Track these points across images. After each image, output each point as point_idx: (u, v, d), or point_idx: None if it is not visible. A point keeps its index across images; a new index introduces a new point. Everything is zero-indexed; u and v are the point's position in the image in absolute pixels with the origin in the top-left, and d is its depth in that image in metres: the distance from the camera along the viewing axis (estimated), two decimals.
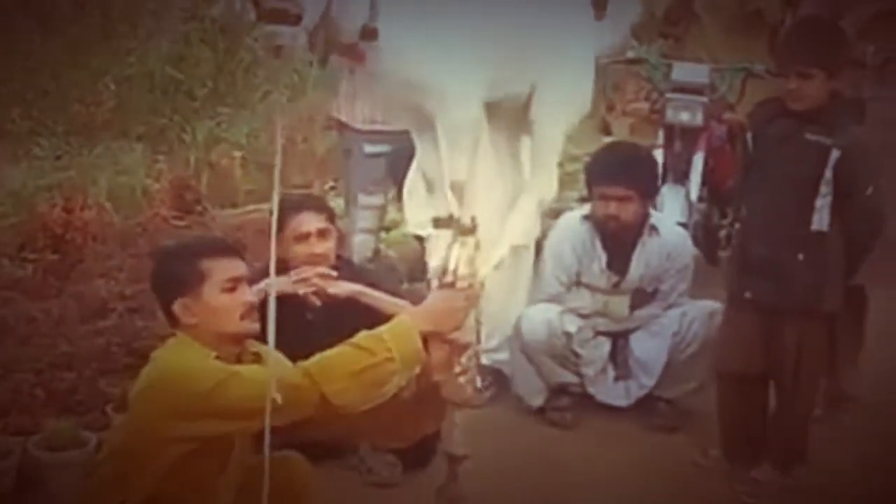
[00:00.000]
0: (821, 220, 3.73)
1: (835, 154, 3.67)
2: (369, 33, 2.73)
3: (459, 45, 2.79)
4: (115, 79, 8.07)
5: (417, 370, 2.87)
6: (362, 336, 2.84)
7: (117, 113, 7.80)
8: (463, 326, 3.00)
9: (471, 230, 2.98)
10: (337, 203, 5.46)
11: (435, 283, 3.69)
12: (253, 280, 3.61)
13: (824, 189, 3.71)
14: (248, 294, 2.99)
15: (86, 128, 7.58)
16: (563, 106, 3.15)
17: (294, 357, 2.89)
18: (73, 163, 6.85)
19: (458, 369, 2.97)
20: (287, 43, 2.60)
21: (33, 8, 8.62)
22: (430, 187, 3.04)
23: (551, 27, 3.03)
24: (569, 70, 3.13)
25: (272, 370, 2.71)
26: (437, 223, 3.03)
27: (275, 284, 3.63)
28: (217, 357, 2.89)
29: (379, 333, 2.84)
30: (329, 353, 2.85)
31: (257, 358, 3.01)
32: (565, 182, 7.33)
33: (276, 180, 2.32)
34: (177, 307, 2.94)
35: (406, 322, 2.88)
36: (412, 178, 4.58)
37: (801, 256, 3.75)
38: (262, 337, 3.00)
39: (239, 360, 2.98)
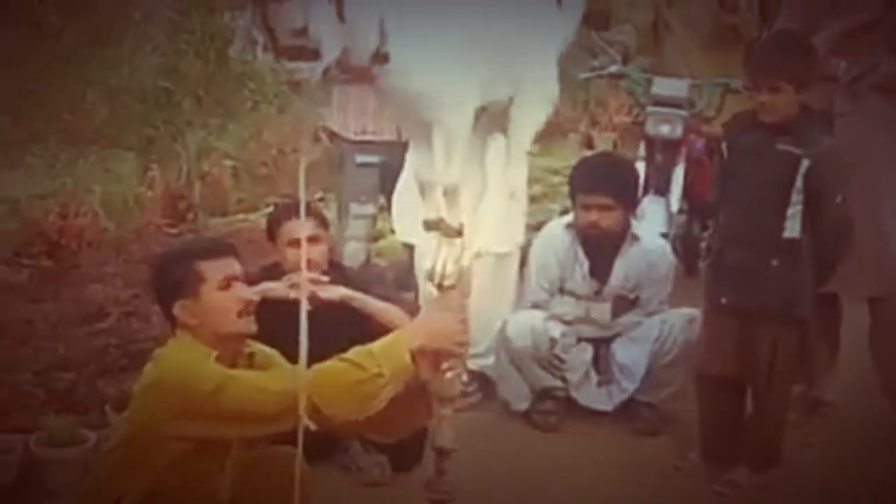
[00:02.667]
0: (792, 227, 3.81)
1: (805, 163, 3.76)
2: (381, 58, 2.81)
3: (455, 56, 2.91)
4: (106, 89, 8.12)
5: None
6: (354, 352, 2.94)
7: (109, 123, 7.83)
8: (460, 345, 3.13)
9: (457, 232, 3.10)
10: (327, 213, 5.55)
11: (426, 287, 3.81)
12: (249, 284, 3.73)
13: (795, 197, 3.79)
14: (244, 291, 3.05)
15: (78, 137, 7.60)
16: (538, 104, 3.29)
17: (287, 359, 3.01)
18: (66, 171, 6.88)
19: (445, 366, 3.09)
20: (307, 77, 2.64)
21: (24, 17, 8.64)
22: (423, 192, 3.15)
23: (530, 31, 3.18)
24: (543, 69, 3.28)
25: (301, 378, 2.81)
26: (428, 225, 3.15)
27: (268, 289, 3.81)
28: (217, 357, 2.96)
29: (370, 349, 2.93)
30: (322, 365, 2.93)
31: (251, 359, 3.08)
32: (548, 195, 7.48)
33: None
34: (177, 309, 3.00)
35: (397, 338, 2.98)
36: (403, 187, 4.71)
37: (774, 263, 3.83)
38: (259, 337, 3.15)
39: (234, 362, 3.03)
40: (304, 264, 3.10)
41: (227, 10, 8.10)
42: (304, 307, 2.84)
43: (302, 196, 2.91)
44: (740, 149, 3.90)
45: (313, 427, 2.82)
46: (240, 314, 3.02)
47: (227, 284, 3.01)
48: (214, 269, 3.01)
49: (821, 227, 3.83)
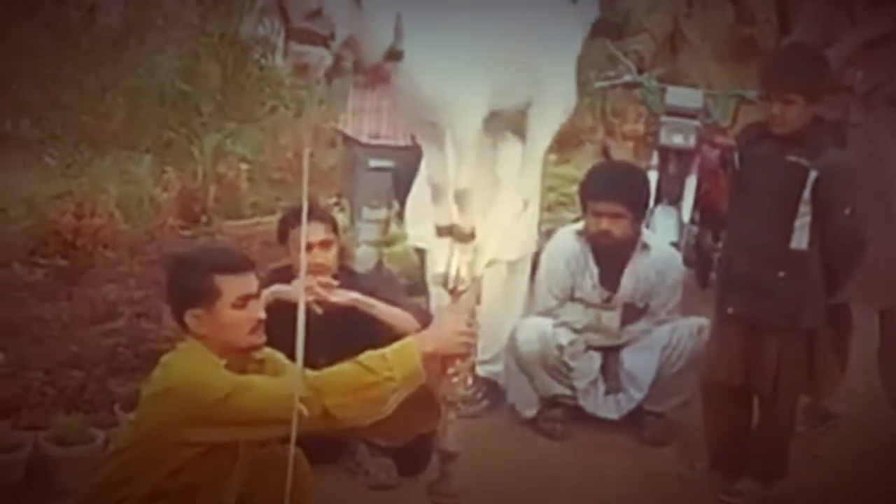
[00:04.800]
0: (800, 239, 3.80)
1: (813, 175, 3.75)
2: (395, 55, 2.80)
3: (471, 59, 2.90)
4: (124, 91, 8.17)
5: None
6: (366, 355, 2.97)
7: (127, 124, 7.89)
8: (469, 353, 3.14)
9: (470, 237, 3.11)
10: (341, 217, 5.58)
11: (437, 291, 3.83)
12: (260, 287, 3.75)
13: (803, 209, 3.78)
14: (259, 311, 3.06)
15: (95, 138, 7.66)
16: (556, 109, 3.28)
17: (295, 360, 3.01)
18: (83, 171, 6.94)
19: (451, 370, 3.11)
20: (314, 63, 2.61)
21: (44, 18, 8.71)
22: (435, 196, 3.15)
23: (547, 34, 3.17)
24: (562, 74, 3.27)
25: (296, 383, 2.83)
26: (440, 231, 3.15)
27: (279, 292, 3.83)
28: (226, 365, 2.98)
29: (382, 353, 2.96)
30: (333, 369, 2.97)
31: (261, 365, 3.10)
32: (565, 203, 7.48)
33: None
34: (188, 317, 3.01)
35: (409, 344, 3.00)
36: (415, 192, 4.72)
37: (781, 274, 3.82)
38: (268, 338, 3.16)
39: (244, 367, 3.06)
40: (303, 268, 3.11)
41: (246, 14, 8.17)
42: (302, 308, 2.86)
43: (304, 199, 2.93)
44: (751, 160, 3.91)
45: (306, 413, 2.82)
46: (251, 331, 3.04)
47: (243, 304, 3.02)
48: (232, 286, 3.01)
49: (829, 239, 3.83)
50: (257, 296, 3.08)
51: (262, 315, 3.07)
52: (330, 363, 3.08)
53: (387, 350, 2.98)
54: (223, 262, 3.08)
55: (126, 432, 3.25)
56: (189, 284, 3.03)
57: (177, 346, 3.09)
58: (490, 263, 3.32)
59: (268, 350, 3.14)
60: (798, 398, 4.10)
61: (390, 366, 2.93)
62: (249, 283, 3.06)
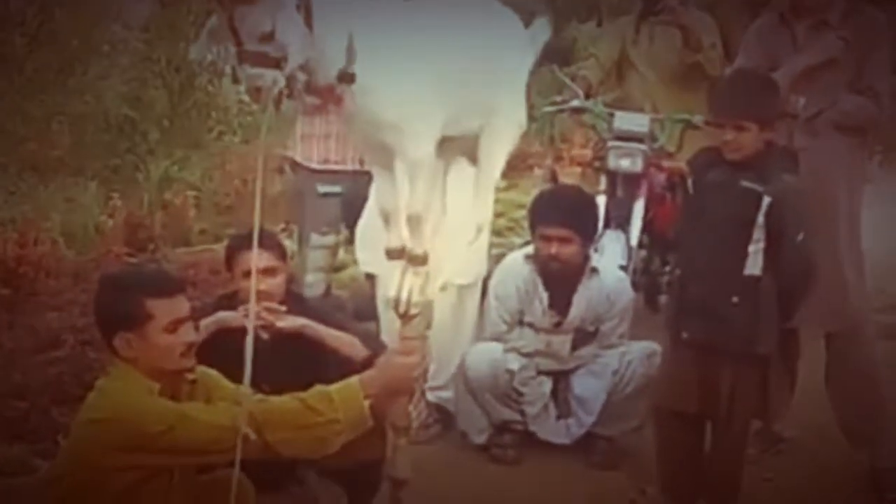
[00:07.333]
0: (754, 264, 3.79)
1: (766, 201, 3.75)
2: (347, 77, 2.79)
3: (423, 82, 2.89)
4: (69, 117, 8.11)
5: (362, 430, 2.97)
6: (312, 394, 2.95)
7: (72, 151, 7.82)
8: (414, 390, 3.11)
9: (422, 260, 3.09)
10: (289, 243, 5.55)
11: (387, 316, 3.79)
12: (205, 314, 3.71)
13: (757, 234, 3.77)
14: (190, 334, 3.03)
15: (40, 165, 7.60)
16: (508, 133, 3.28)
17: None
18: (27, 199, 6.88)
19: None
20: (267, 85, 2.61)
21: None
22: (386, 220, 3.14)
23: (499, 57, 3.16)
24: (513, 98, 3.26)
25: (240, 413, 2.82)
26: (390, 254, 3.13)
27: (225, 318, 3.79)
28: (160, 389, 2.95)
29: (328, 393, 2.94)
30: (277, 402, 2.95)
31: (193, 386, 3.08)
32: (513, 228, 7.50)
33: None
34: (117, 341, 2.97)
35: (355, 386, 2.98)
36: (366, 218, 4.70)
37: (735, 299, 3.81)
38: (213, 364, 3.13)
39: (177, 389, 3.03)
40: (252, 293, 3.08)
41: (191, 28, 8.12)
42: (251, 334, 2.84)
43: (256, 225, 2.90)
44: (705, 185, 3.90)
45: (253, 436, 2.82)
46: (182, 354, 3.01)
47: (174, 328, 2.99)
48: (163, 310, 2.97)
49: (782, 265, 3.82)
50: (188, 318, 3.05)
51: (194, 338, 3.05)
52: (274, 389, 3.06)
53: (333, 390, 2.96)
54: (154, 285, 3.03)
55: (60, 458, 3.18)
56: (119, 307, 2.99)
57: (109, 371, 3.03)
58: (442, 288, 3.31)
59: (200, 369, 3.11)
60: (751, 423, 4.10)
61: (336, 407, 2.92)
62: (181, 306, 3.03)
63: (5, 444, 4.06)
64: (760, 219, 3.77)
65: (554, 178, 8.22)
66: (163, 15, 9.14)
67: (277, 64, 2.62)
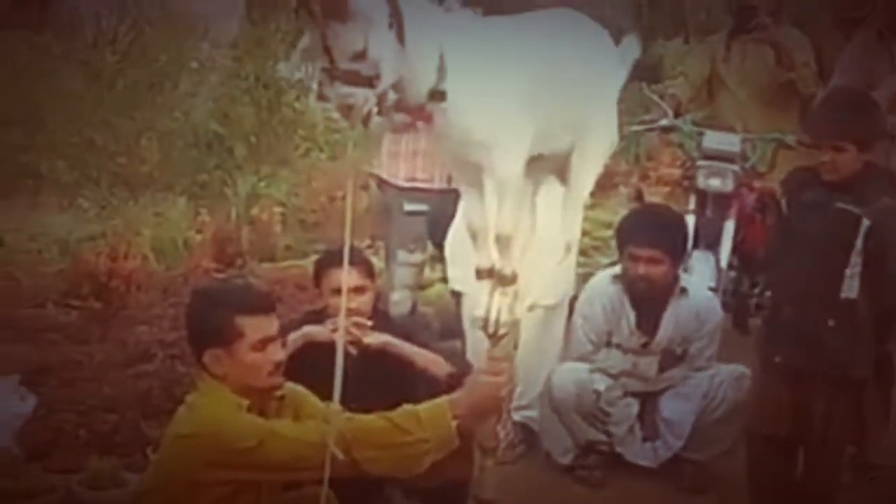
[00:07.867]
0: (851, 287, 3.73)
1: (865, 223, 3.69)
2: (438, 96, 2.78)
3: (514, 100, 2.87)
4: (159, 133, 8.22)
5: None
6: (400, 413, 2.96)
7: (161, 166, 7.92)
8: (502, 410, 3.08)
9: (511, 280, 3.07)
10: (375, 261, 5.56)
11: (474, 335, 3.78)
12: (291, 328, 3.72)
13: (854, 258, 3.71)
14: (278, 353, 3.06)
15: (130, 180, 7.71)
16: (599, 151, 3.25)
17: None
18: (117, 213, 6.98)
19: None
20: (359, 103, 2.60)
21: (80, 60, 8.81)
22: (475, 239, 3.12)
23: (590, 75, 3.13)
24: (605, 115, 3.23)
25: (330, 429, 2.84)
26: (480, 274, 3.11)
27: (311, 333, 3.81)
28: (248, 406, 2.98)
29: (416, 412, 2.95)
30: (366, 421, 2.97)
31: (281, 402, 3.10)
32: (599, 248, 7.45)
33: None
34: (207, 357, 3.00)
35: (443, 406, 2.98)
36: (454, 235, 4.70)
37: (830, 323, 3.76)
38: (301, 380, 3.14)
39: (265, 406, 3.06)
40: (343, 308, 3.04)
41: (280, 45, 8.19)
42: (340, 349, 2.86)
43: (348, 241, 2.91)
44: (801, 205, 3.84)
45: (340, 456, 2.83)
46: (270, 373, 3.03)
47: (263, 346, 3.01)
48: (254, 328, 3.00)
49: (880, 288, 3.76)
50: (277, 337, 3.07)
51: (282, 357, 3.07)
52: (361, 407, 3.06)
53: (421, 409, 2.97)
54: (245, 303, 3.06)
55: (150, 472, 3.23)
56: (210, 324, 3.02)
57: (198, 387, 3.07)
58: (530, 308, 3.28)
59: (288, 385, 3.13)
60: (845, 449, 4.02)
61: (424, 427, 2.93)
62: (271, 324, 3.06)
63: (95, 458, 4.10)
64: (859, 242, 3.70)
65: (639, 196, 8.19)
66: (251, 32, 9.23)
67: (370, 82, 2.62)
